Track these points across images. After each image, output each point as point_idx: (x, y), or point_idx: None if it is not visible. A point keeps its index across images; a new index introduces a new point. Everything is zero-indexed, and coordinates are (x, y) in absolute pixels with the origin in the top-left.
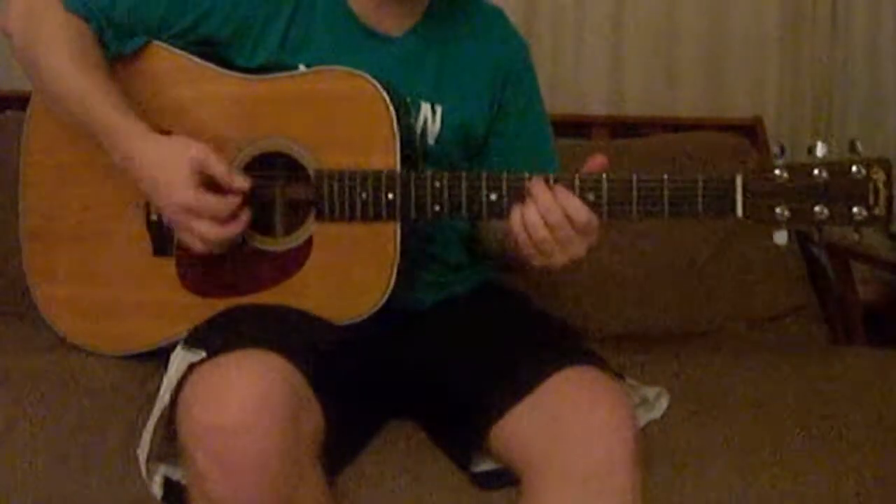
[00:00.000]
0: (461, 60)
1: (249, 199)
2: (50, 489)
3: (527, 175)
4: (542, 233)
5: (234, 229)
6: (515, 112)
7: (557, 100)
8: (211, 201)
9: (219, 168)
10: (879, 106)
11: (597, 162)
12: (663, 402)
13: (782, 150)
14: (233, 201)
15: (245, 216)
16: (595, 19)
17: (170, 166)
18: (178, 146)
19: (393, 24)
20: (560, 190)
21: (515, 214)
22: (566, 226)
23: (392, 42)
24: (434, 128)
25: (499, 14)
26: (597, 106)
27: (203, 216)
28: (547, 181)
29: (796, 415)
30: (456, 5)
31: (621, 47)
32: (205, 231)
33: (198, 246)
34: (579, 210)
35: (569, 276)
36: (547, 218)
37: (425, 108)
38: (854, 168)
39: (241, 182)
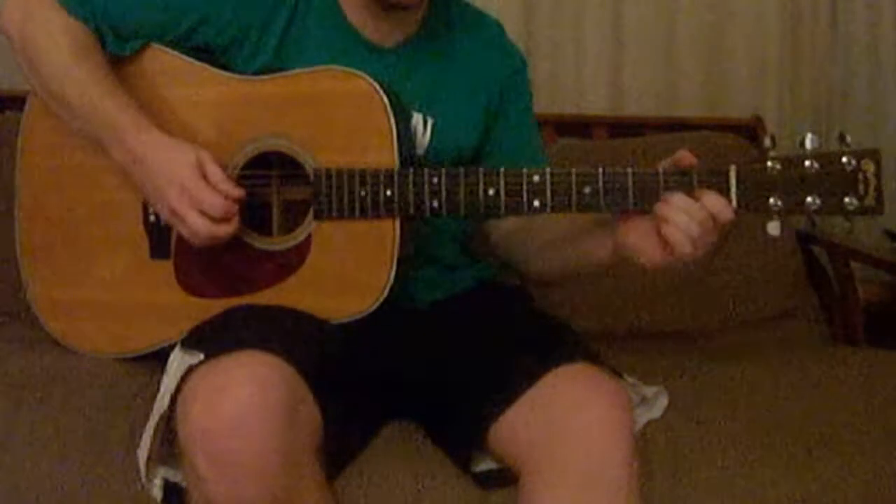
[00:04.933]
0: (456, 73)
1: (244, 203)
2: (50, 490)
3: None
4: (692, 234)
5: (224, 230)
6: (510, 126)
7: (557, 100)
8: (207, 192)
9: (217, 173)
10: (879, 106)
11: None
12: (663, 401)
13: (774, 142)
14: (227, 203)
15: (236, 222)
16: (595, 19)
17: (173, 162)
18: (183, 145)
19: (388, 35)
20: (707, 195)
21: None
22: (709, 222)
23: (387, 53)
24: (424, 140)
25: (496, 26)
26: (597, 106)
27: (196, 206)
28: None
29: (796, 415)
30: (453, 17)
31: (621, 47)
32: (196, 225)
33: (191, 239)
34: (724, 210)
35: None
36: (695, 218)
37: (417, 118)
38: (844, 159)
39: (236, 190)
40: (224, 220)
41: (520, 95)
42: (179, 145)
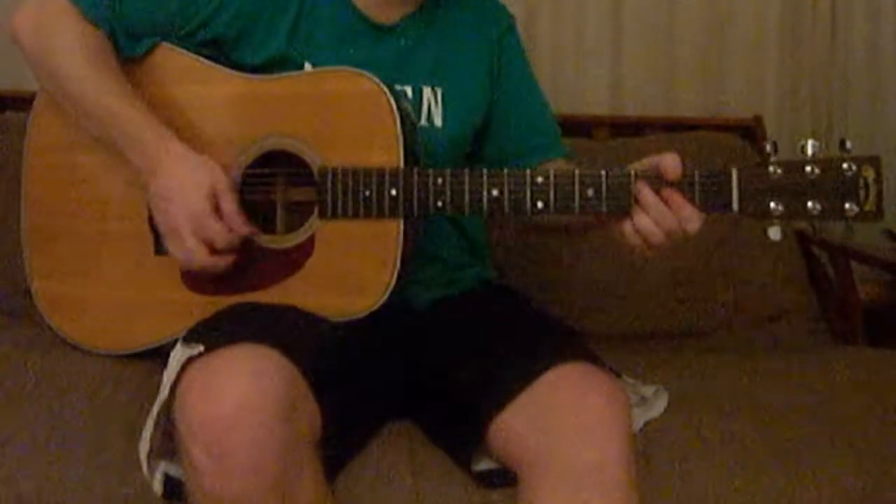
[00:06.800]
0: (458, 40)
1: (250, 202)
2: (50, 488)
3: (631, 174)
4: (657, 239)
5: (218, 262)
6: (512, 76)
7: (557, 100)
8: (214, 226)
9: (231, 206)
10: (879, 106)
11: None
12: (662, 401)
13: (775, 148)
14: (231, 238)
15: (231, 258)
16: (595, 19)
17: (191, 179)
18: (206, 165)
19: (392, 14)
20: (672, 197)
21: (626, 224)
22: (678, 228)
23: (391, 31)
24: (438, 110)
25: None
26: (597, 106)
27: (199, 234)
28: (651, 183)
29: (796, 414)
30: None
31: (621, 47)
32: (194, 250)
33: (180, 260)
34: (692, 219)
35: (569, 276)
36: (661, 224)
37: (427, 92)
38: (845, 165)
39: (244, 227)
40: (223, 252)
41: (513, 48)
42: (198, 165)
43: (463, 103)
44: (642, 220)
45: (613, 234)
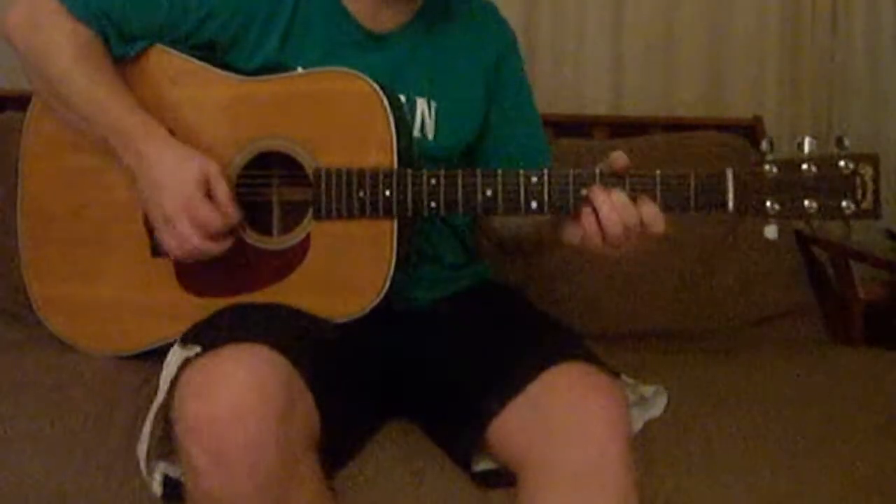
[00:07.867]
0: (454, 54)
1: (244, 203)
2: (50, 489)
3: (596, 175)
4: (617, 230)
5: (214, 247)
6: (508, 97)
7: (557, 100)
8: (208, 210)
9: (223, 190)
10: (879, 106)
11: (620, 163)
12: (662, 401)
13: (772, 146)
14: (225, 222)
15: (227, 243)
16: (595, 19)
17: (181, 170)
18: (193, 156)
19: (388, 22)
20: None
21: (588, 219)
22: (638, 225)
23: (386, 40)
24: (431, 122)
25: (490, 6)
26: (597, 106)
27: (193, 220)
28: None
29: (796, 415)
30: (450, 1)
31: (621, 47)
32: (189, 235)
33: (174, 250)
34: (656, 217)
35: (569, 276)
36: (625, 220)
37: (421, 103)
38: (842, 163)
39: (235, 213)
40: (216, 237)
41: (512, 67)
42: (189, 155)
43: (457, 120)
44: (590, 219)
45: (573, 242)
